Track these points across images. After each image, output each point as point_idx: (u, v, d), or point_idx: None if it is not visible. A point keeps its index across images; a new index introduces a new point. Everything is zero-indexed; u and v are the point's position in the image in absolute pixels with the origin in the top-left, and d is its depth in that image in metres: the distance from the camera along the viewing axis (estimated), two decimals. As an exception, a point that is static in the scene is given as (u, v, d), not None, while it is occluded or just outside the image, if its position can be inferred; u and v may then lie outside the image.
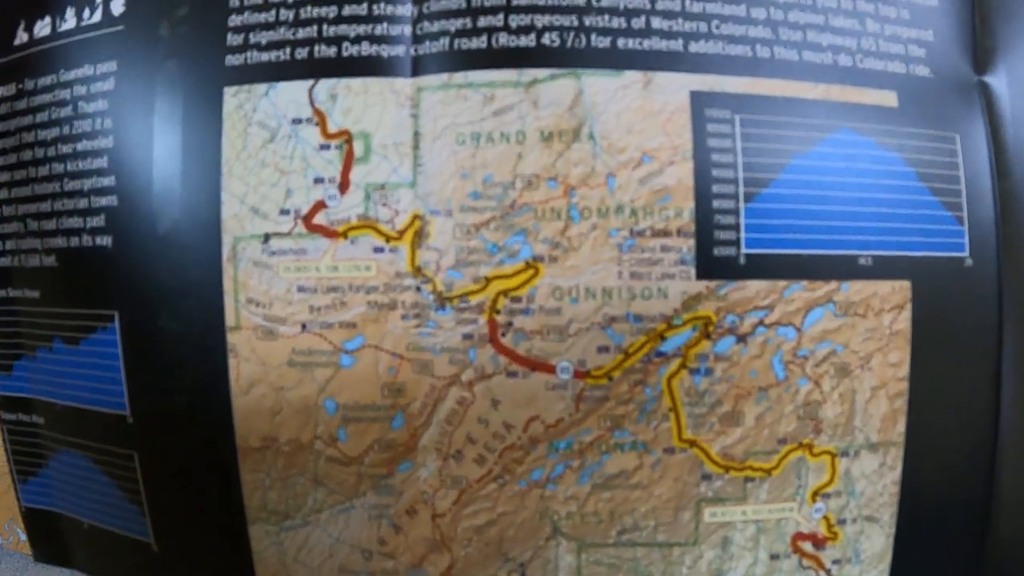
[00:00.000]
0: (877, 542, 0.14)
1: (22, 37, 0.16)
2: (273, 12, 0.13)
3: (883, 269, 0.13)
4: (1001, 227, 0.14)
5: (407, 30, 0.13)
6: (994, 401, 0.14)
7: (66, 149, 0.15)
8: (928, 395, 0.14)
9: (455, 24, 0.13)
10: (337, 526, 0.14)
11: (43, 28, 0.16)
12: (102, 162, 0.14)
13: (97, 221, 0.15)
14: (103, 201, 0.14)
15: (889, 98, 0.14)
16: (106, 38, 0.15)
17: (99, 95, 0.15)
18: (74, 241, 0.15)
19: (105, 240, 0.14)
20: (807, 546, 0.14)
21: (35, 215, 0.15)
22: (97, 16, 0.15)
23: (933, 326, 0.14)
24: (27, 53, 0.16)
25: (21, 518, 0.18)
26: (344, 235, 0.13)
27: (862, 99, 0.14)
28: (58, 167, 0.15)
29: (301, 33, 0.13)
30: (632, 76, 0.13)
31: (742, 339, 0.13)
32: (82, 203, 0.15)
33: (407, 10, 0.13)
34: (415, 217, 0.13)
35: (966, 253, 0.14)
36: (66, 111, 0.15)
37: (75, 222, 0.15)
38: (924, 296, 0.13)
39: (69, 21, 0.15)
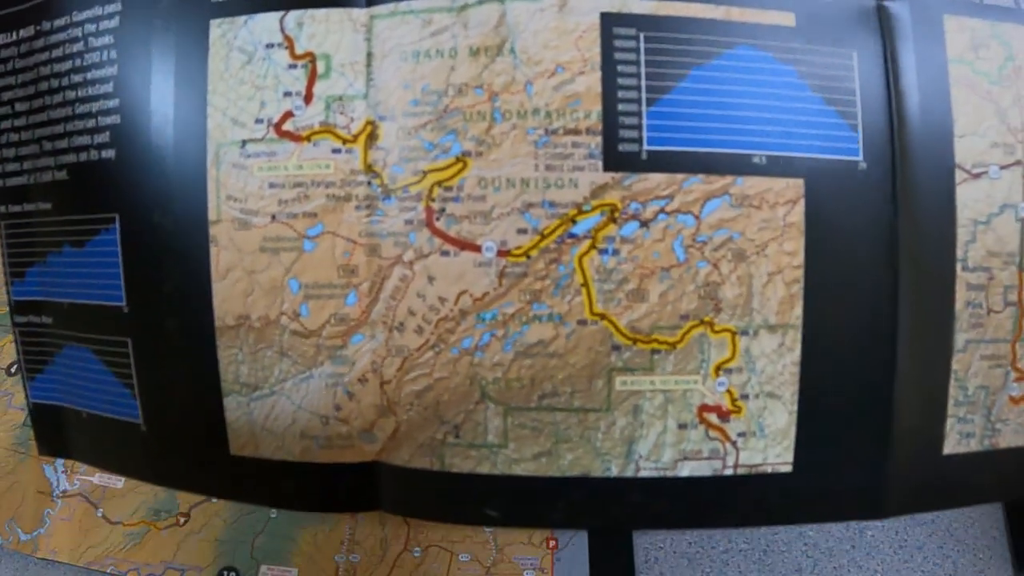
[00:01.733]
0: (780, 418, 0.17)
1: None
2: (252, -45, 0.18)
3: (776, 167, 0.17)
4: (897, 136, 0.18)
5: (363, -35, 0.18)
6: (892, 290, 0.17)
7: (77, 78, 0.20)
8: (824, 283, 0.17)
9: (402, -39, 0.17)
10: (299, 394, 0.18)
11: None
12: (108, 87, 0.19)
13: (103, 137, 0.19)
14: (108, 120, 0.19)
15: (788, 18, 0.18)
16: None
17: (106, 31, 0.20)
18: (83, 156, 0.20)
19: (109, 153, 0.19)
20: (712, 417, 0.17)
21: (49, 137, 0.21)
22: None
23: (828, 220, 0.17)
24: (41, 4, 0.21)
25: (29, 414, 0.23)
26: (308, 139, 0.17)
27: (761, 19, 0.17)
28: (71, 94, 0.20)
29: (277, -31, 0.18)
30: (549, 0, 0.17)
31: (645, 224, 0.17)
32: (90, 123, 0.20)
33: (363, -52, 0.18)
34: (367, 123, 0.17)
35: (860, 157, 0.17)
36: (78, 46, 0.20)
37: (84, 140, 0.20)
38: (818, 193, 0.17)
39: None
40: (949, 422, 0.18)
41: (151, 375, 0.20)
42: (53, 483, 0.37)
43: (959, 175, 0.18)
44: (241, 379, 0.18)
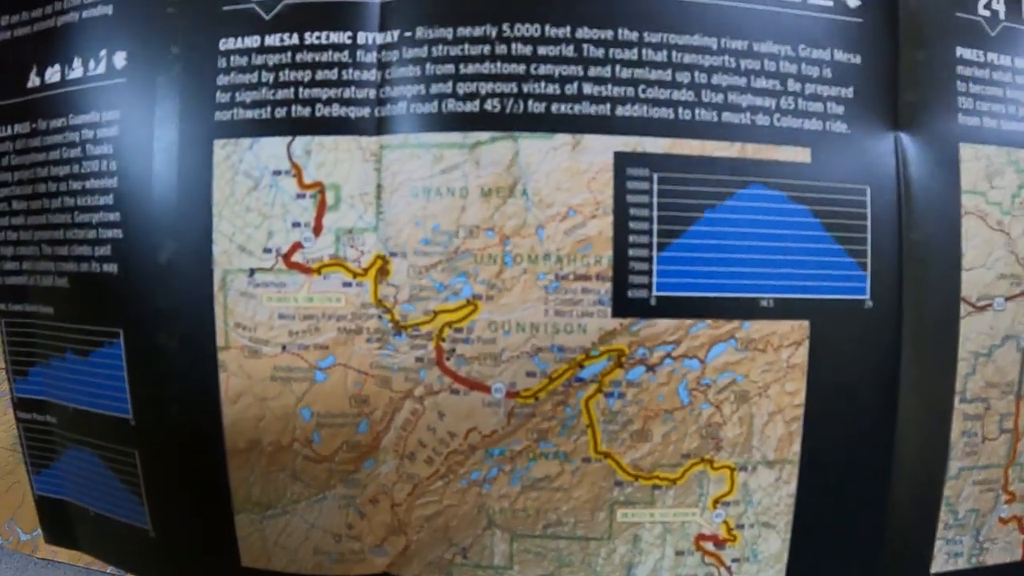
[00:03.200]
0: (774, 545, 0.21)
1: (34, 81, 0.23)
2: (256, 74, 0.20)
3: (783, 310, 0.19)
4: (905, 273, 0.20)
5: (372, 93, 0.19)
6: (890, 425, 0.20)
7: (76, 186, 0.22)
8: (823, 420, 0.20)
9: (412, 90, 0.19)
10: (312, 514, 0.21)
11: (53, 75, 0.22)
12: (108, 199, 0.21)
13: (104, 251, 0.21)
14: (109, 233, 0.21)
15: (803, 154, 0.20)
16: (110, 88, 0.21)
17: (105, 140, 0.21)
18: (84, 267, 0.22)
19: (111, 267, 0.21)
20: (709, 545, 0.20)
21: (49, 241, 0.23)
22: (102, 68, 0.21)
23: (831, 359, 0.20)
24: (39, 96, 0.22)
25: (34, 504, 0.26)
26: (318, 271, 0.20)
27: (776, 156, 0.19)
28: (69, 201, 0.22)
29: (280, 94, 0.20)
30: (562, 138, 0.19)
31: (651, 369, 0.19)
32: (91, 234, 0.22)
33: (372, 75, 0.19)
34: (377, 257, 0.20)
35: (867, 296, 0.20)
36: (75, 152, 0.22)
37: (84, 250, 0.22)
38: (822, 333, 0.20)
39: (76, 70, 0.22)
40: (938, 544, 0.22)
41: (160, 486, 0.22)
42: (53, 483, 0.40)
43: (964, 308, 0.21)
44: (253, 498, 0.21)
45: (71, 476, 0.25)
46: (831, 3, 0.20)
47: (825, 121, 0.20)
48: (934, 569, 0.22)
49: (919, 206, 0.20)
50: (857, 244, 0.20)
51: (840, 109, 0.20)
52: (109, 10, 0.21)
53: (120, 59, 0.21)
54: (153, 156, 0.21)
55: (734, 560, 0.21)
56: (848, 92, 0.20)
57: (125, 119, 0.21)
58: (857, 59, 0.20)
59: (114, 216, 0.21)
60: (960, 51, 0.21)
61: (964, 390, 0.21)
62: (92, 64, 0.22)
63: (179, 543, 0.23)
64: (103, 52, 0.21)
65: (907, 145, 0.20)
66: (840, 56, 0.20)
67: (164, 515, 0.23)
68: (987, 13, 0.21)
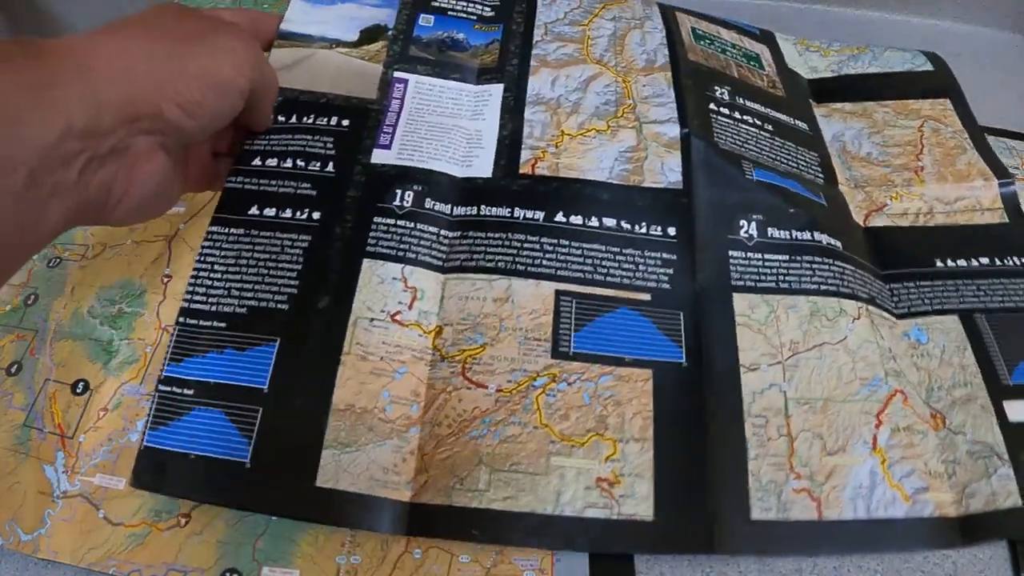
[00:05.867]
0: (644, 488, 0.46)
1: (253, 211, 0.56)
2: (391, 234, 0.54)
3: (636, 365, 0.49)
4: (703, 352, 0.50)
5: (445, 253, 0.54)
6: (703, 431, 0.47)
7: (270, 264, 0.53)
8: (664, 420, 0.47)
9: (464, 255, 0.53)
10: (374, 452, 0.45)
11: (268, 211, 0.56)
12: (291, 276, 0.53)
13: (282, 297, 0.51)
14: (289, 290, 0.52)
15: (647, 296, 0.52)
16: (306, 226, 0.54)
17: (298, 247, 0.54)
18: (263, 303, 0.51)
19: (284, 306, 0.51)
20: (604, 485, 0.45)
21: (239, 290, 0.52)
22: (303, 217, 0.55)
23: (666, 391, 0.49)
24: (255, 219, 0.55)
25: (136, 455, 0.46)
26: (407, 326, 0.49)
27: (634, 296, 0.52)
28: (263, 270, 0.53)
29: (402, 245, 0.53)
30: (531, 281, 0.53)
31: (570, 384, 0.48)
32: (274, 289, 0.52)
33: (446, 246, 0.54)
34: (437, 327, 0.50)
35: (683, 360, 0.50)
36: (275, 250, 0.54)
37: (266, 295, 0.52)
38: (660, 376, 0.49)
39: (286, 214, 0.56)
40: (751, 501, 0.46)
41: (270, 432, 0.46)
42: (54, 483, 0.48)
43: (743, 370, 0.51)
44: (340, 440, 0.46)
45: (185, 431, 0.46)
46: (661, 234, 0.55)
47: (658, 283, 0.53)
48: (753, 517, 0.45)
49: (709, 321, 0.52)
50: (677, 336, 0.51)
51: (666, 278, 0.54)
52: (313, 193, 0.56)
53: (316, 215, 0.54)
54: (328, 259, 0.52)
55: (621, 496, 0.45)
56: (670, 271, 0.54)
57: (313, 239, 0.53)
58: (674, 257, 0.54)
59: (295, 282, 0.51)
60: (732, 253, 0.56)
61: (750, 410, 0.49)
62: (299, 214, 0.55)
63: (271, 471, 0.44)
64: (306, 210, 0.55)
65: (701, 294, 0.52)
66: (665, 255, 0.55)
67: (265, 451, 0.45)
68: (746, 236, 0.56)
